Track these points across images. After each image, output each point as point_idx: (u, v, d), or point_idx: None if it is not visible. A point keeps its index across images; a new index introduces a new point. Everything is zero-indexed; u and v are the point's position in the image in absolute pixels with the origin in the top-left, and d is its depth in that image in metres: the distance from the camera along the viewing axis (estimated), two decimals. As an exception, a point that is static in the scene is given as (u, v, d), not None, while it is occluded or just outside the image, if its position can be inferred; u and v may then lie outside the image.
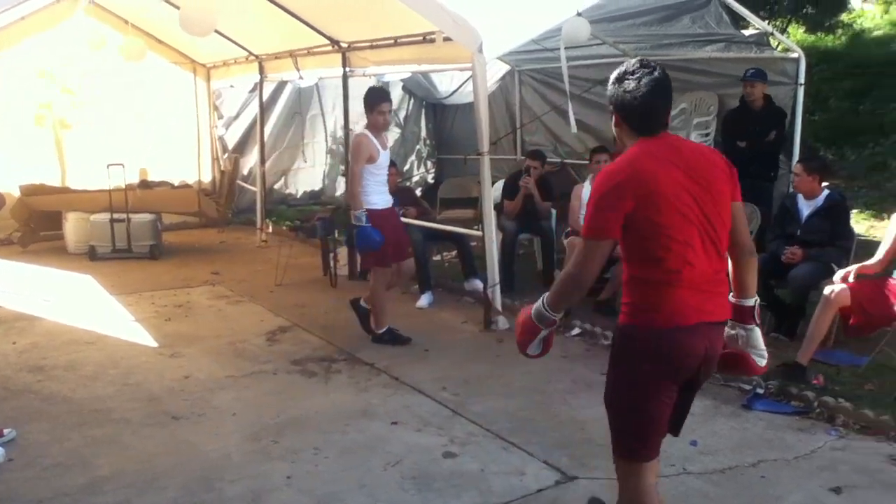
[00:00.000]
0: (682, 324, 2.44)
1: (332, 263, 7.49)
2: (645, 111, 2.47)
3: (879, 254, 4.45)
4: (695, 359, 2.49)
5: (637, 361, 2.49)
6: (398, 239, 5.47)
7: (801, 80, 7.20)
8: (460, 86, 9.86)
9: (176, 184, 10.05)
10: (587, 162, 7.08)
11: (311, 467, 3.77)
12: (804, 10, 13.28)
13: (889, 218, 9.25)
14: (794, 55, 7.31)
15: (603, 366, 5.06)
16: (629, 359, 2.53)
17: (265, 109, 10.14)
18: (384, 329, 5.58)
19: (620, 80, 2.51)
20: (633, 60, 2.52)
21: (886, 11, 15.86)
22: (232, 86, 10.52)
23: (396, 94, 11.66)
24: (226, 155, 10.77)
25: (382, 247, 5.18)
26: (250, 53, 9.16)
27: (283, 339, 5.81)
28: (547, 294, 2.57)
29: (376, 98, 5.28)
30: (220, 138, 10.89)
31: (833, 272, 5.33)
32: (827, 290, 4.65)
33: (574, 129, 6.37)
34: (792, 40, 10.90)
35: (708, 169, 2.48)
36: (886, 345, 4.53)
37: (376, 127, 5.30)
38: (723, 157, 2.58)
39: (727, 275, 2.57)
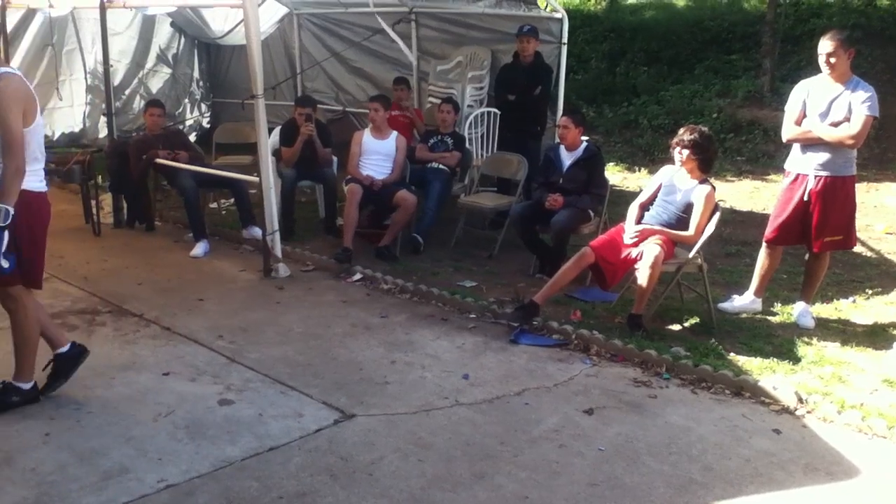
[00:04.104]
0: None
1: (94, 211, 6.93)
2: None
3: (692, 228, 4.89)
4: None
5: None
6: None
7: (565, 39, 7.65)
8: (235, 26, 9.41)
9: None
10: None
11: (71, 423, 3.53)
12: (570, -26, 14.04)
13: (639, 170, 10.29)
14: (559, 16, 7.72)
15: (382, 309, 5.25)
16: None
17: (10, 41, 9.02)
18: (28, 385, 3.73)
19: None
20: None
21: (640, -18, 17.22)
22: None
23: (165, 30, 10.92)
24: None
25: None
26: (-12, -25, 8.08)
27: (38, 293, 5.30)
28: None
29: None
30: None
31: (589, 217, 5.84)
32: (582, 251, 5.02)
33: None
34: (558, 2, 11.53)
35: None
36: (632, 283, 5.03)
37: None
38: None
39: None
